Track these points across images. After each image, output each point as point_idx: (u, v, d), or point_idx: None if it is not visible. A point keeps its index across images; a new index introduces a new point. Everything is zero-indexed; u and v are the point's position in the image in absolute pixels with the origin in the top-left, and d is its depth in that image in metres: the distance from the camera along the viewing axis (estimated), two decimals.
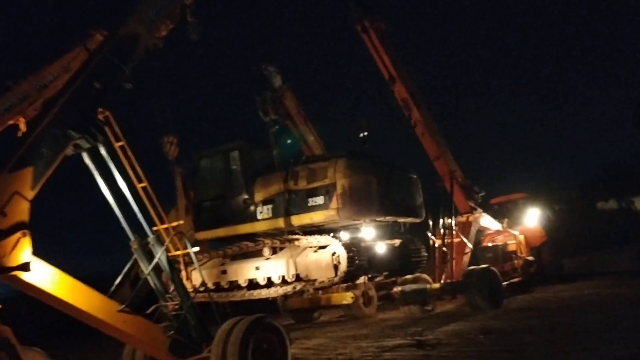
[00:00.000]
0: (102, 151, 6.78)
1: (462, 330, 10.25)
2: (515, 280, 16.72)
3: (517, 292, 16.27)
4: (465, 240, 14.23)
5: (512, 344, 8.17)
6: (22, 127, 7.35)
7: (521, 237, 18.62)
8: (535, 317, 11.05)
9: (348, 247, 10.67)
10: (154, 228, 8.89)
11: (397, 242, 12.80)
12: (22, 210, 5.69)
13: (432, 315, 13.75)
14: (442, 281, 13.56)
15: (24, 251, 5.60)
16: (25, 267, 5.58)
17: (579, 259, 21.22)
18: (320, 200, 10.90)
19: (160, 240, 7.10)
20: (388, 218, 11.97)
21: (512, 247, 17.97)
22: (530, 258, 18.53)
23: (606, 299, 12.71)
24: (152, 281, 6.93)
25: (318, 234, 11.57)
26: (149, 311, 6.92)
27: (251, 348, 6.74)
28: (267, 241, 11.28)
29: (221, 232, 12.17)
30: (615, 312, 10.29)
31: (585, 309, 11.42)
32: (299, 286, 10.76)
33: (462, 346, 8.56)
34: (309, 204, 11.00)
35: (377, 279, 13.66)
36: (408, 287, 13.26)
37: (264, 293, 10.94)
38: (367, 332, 11.51)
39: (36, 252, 5.76)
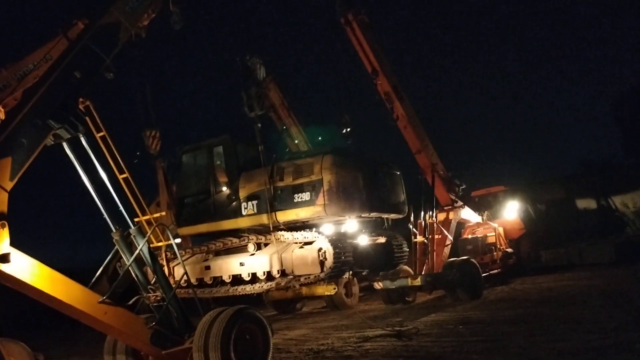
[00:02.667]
0: (83, 141, 6.69)
1: (442, 321, 10.39)
2: (495, 271, 16.98)
3: (496, 283, 16.52)
4: (445, 232, 14.39)
5: (491, 334, 8.31)
6: (2, 116, 7.22)
7: (500, 230, 18.90)
8: (514, 308, 11.24)
9: (334, 243, 10.64)
10: (136, 219, 8.85)
11: (381, 238, 12.86)
12: (0, 201, 5.61)
13: (412, 306, 13.90)
14: (422, 273, 13.71)
15: (2, 242, 5.52)
16: (3, 258, 5.50)
17: (557, 251, 21.60)
18: (306, 196, 10.87)
19: (141, 232, 7.04)
20: (373, 214, 11.99)
21: (491, 239, 18.22)
22: (510, 250, 18.84)
23: (583, 290, 12.97)
24: (134, 272, 6.89)
25: (302, 229, 11.54)
26: (130, 302, 6.88)
27: (233, 339, 6.74)
28: (252, 237, 11.24)
29: (205, 227, 12.08)
30: (591, 303, 10.51)
31: (563, 300, 11.64)
32: (283, 282, 10.74)
33: (441, 336, 8.68)
34: (295, 200, 10.96)
35: (362, 274, 13.75)
36: (390, 284, 13.48)
37: (248, 289, 10.91)
38: (349, 322, 11.59)
39: (15, 243, 5.69)
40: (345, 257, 10.82)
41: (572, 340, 7.15)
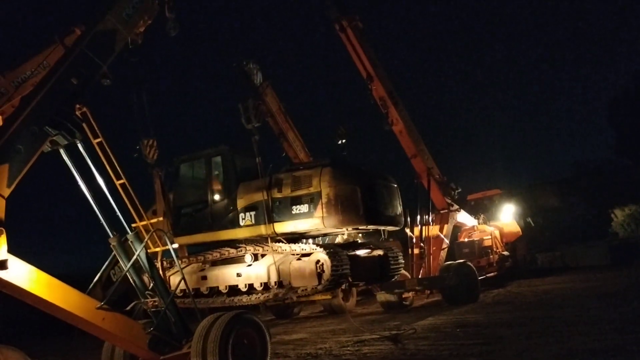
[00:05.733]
0: (80, 148, 6.69)
1: (439, 324, 10.42)
2: (491, 274, 17.07)
3: (493, 286, 16.57)
4: (442, 236, 14.45)
5: (488, 338, 8.34)
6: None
7: (497, 233, 18.98)
8: (510, 311, 11.28)
9: (332, 255, 10.62)
10: (133, 225, 8.81)
11: (378, 250, 12.90)
12: None
13: (409, 309, 13.93)
14: (419, 277, 13.76)
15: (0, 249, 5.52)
16: (1, 265, 5.50)
17: (553, 254, 21.71)
18: (304, 208, 10.87)
19: (139, 237, 7.05)
20: (370, 227, 12.04)
21: (487, 242, 18.31)
22: (506, 253, 18.92)
23: (579, 292, 13.03)
24: (132, 278, 6.89)
25: (299, 241, 11.55)
26: (128, 308, 6.87)
27: (231, 344, 6.74)
28: (249, 247, 11.21)
29: (202, 237, 12.03)
30: (587, 305, 10.57)
31: (559, 303, 11.69)
32: (281, 293, 10.72)
33: (438, 340, 8.71)
34: (293, 212, 10.96)
35: (359, 286, 13.83)
36: (390, 296, 13.75)
37: (245, 299, 10.88)
38: (347, 326, 11.61)
39: (12, 250, 5.69)
40: (342, 269, 10.79)
41: (569, 343, 7.19)
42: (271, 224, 11.07)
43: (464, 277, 13.42)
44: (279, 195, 11.18)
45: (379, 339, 9.42)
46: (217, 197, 12.02)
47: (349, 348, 8.91)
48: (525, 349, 7.16)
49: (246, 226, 11.44)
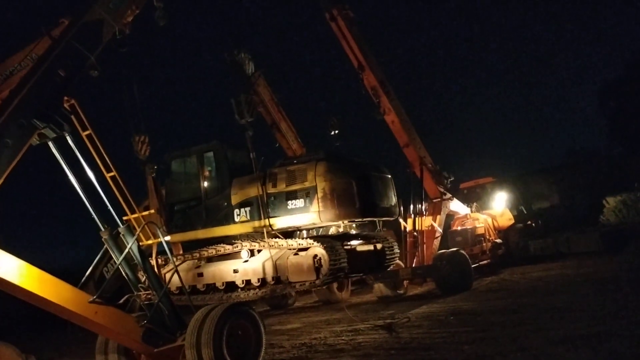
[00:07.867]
0: (69, 140, 6.61)
1: (433, 312, 10.47)
2: (484, 262, 17.14)
3: (486, 274, 16.65)
4: (435, 224, 14.48)
5: (481, 325, 8.39)
6: None
7: (489, 221, 19.04)
8: (504, 298, 11.35)
9: (329, 249, 10.60)
10: (125, 218, 8.79)
11: (373, 242, 12.93)
12: None
13: (403, 298, 13.99)
14: (413, 265, 13.80)
15: None
16: None
17: (545, 241, 21.79)
18: (300, 203, 10.83)
19: (131, 230, 6.99)
20: (366, 219, 12.05)
21: (480, 230, 18.37)
22: (499, 240, 18.99)
23: (571, 279, 13.11)
24: (124, 271, 6.84)
25: (295, 235, 11.51)
26: (121, 301, 6.84)
27: (225, 335, 6.75)
28: (245, 243, 11.19)
29: (196, 234, 11.98)
30: (580, 292, 10.64)
31: (551, 290, 11.76)
32: (278, 288, 10.71)
33: (432, 328, 8.75)
34: (289, 207, 10.91)
35: (356, 278, 13.83)
36: (385, 288, 13.91)
37: (242, 295, 10.85)
38: (341, 316, 11.64)
39: (1, 245, 5.64)
40: (340, 263, 10.76)
41: (561, 329, 7.24)
42: (267, 219, 11.03)
43: (457, 265, 13.47)
44: (273, 190, 11.11)
45: (373, 328, 9.46)
46: (210, 193, 11.93)
47: (343, 337, 8.93)
48: (518, 336, 7.20)
49: (241, 222, 11.39)
